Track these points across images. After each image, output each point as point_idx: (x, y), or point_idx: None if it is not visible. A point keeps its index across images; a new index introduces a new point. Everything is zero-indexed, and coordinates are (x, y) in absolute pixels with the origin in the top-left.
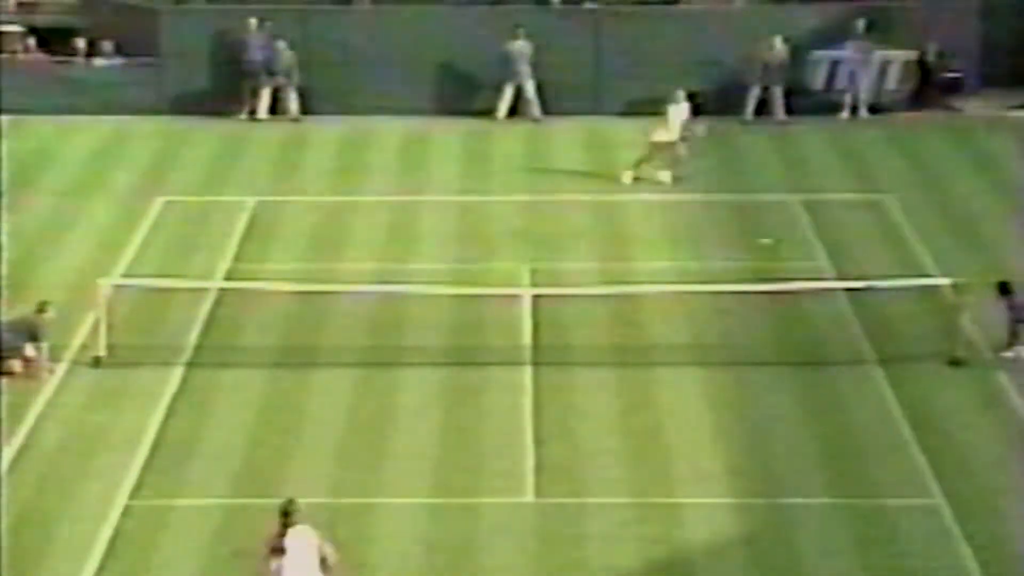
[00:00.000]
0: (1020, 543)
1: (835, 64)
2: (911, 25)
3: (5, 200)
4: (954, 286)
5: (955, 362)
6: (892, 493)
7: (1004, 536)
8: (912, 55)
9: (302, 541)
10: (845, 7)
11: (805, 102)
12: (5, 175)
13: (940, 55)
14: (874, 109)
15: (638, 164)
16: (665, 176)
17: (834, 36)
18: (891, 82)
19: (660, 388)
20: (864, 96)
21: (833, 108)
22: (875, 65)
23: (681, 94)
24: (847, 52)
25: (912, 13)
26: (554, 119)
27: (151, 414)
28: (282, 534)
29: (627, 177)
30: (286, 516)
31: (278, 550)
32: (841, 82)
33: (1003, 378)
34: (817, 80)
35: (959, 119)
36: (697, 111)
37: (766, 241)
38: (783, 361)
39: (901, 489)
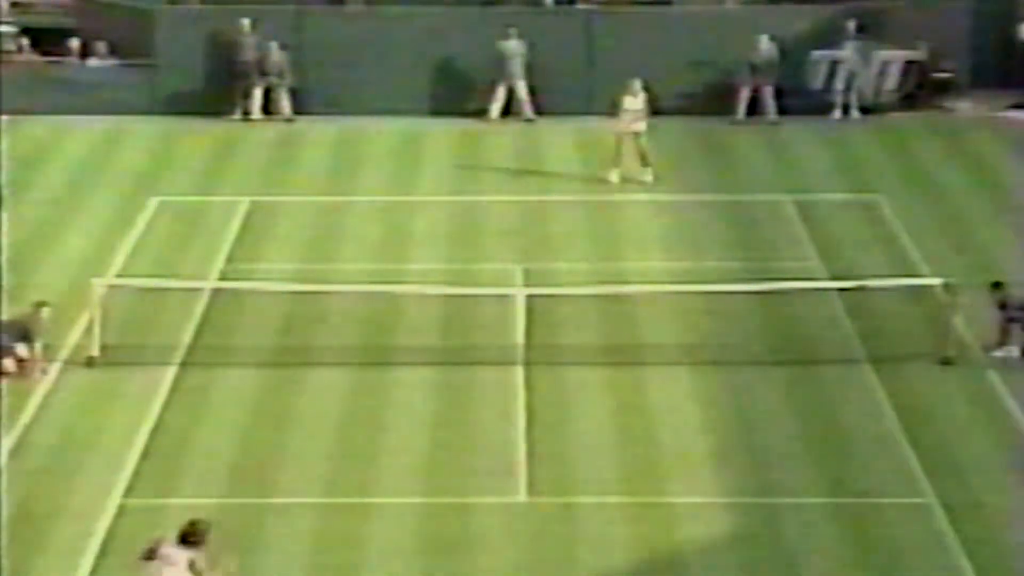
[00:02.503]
0: (1011, 541)
1: (835, 64)
2: (902, 26)
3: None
4: (945, 286)
5: (946, 361)
6: (883, 492)
7: (995, 535)
8: (912, 55)
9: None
10: (836, 8)
11: (800, 102)
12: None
13: (931, 56)
14: (866, 110)
15: (617, 160)
16: (647, 176)
17: (825, 37)
18: (891, 82)
19: (652, 387)
20: (865, 96)
21: (825, 108)
22: (875, 65)
23: (638, 85)
24: (846, 52)
25: (903, 14)
26: (547, 119)
27: (145, 414)
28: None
29: (615, 176)
30: (187, 536)
31: (150, 554)
32: (840, 82)
33: (994, 377)
34: (817, 80)
35: (950, 119)
36: (652, 101)
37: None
38: (775, 360)
39: (892, 488)
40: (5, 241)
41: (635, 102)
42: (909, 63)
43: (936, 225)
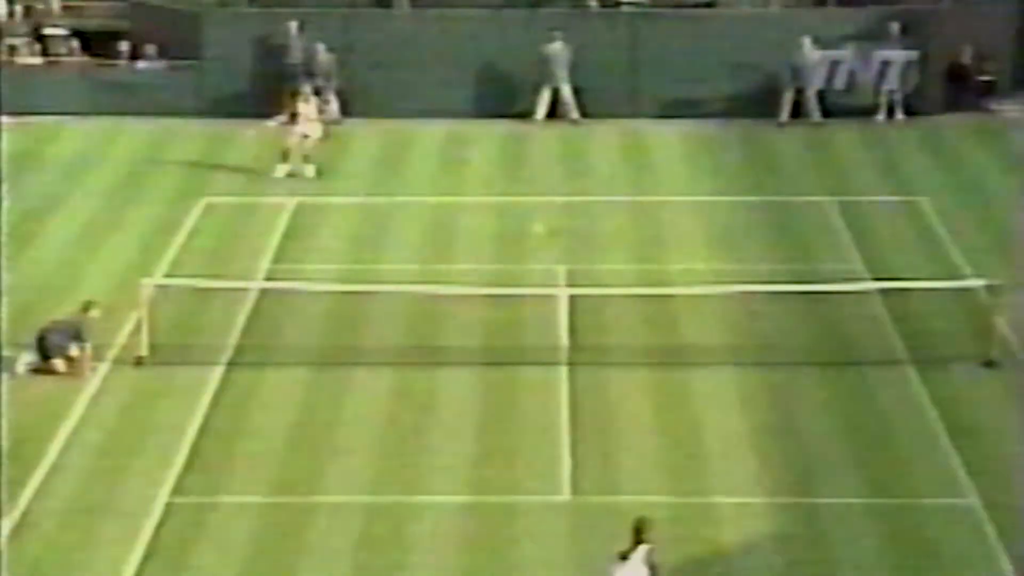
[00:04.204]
0: None
1: (835, 64)
2: (946, 28)
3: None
4: (988, 287)
5: (989, 363)
6: (926, 493)
7: None
8: (913, 55)
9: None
10: (880, 10)
11: (844, 103)
12: (50, 177)
13: (975, 58)
14: (910, 112)
15: (286, 157)
16: (309, 172)
17: (869, 39)
18: (891, 82)
19: (695, 388)
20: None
21: (869, 110)
22: (875, 65)
23: (308, 90)
24: (846, 52)
25: (947, 16)
26: (591, 121)
27: (192, 413)
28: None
29: (282, 171)
30: (638, 532)
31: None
32: (839, 83)
33: None
34: (816, 80)
35: (993, 121)
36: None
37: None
38: (817, 362)
39: (935, 489)
40: (50, 243)
41: (308, 108)
42: (909, 63)
43: (979, 226)
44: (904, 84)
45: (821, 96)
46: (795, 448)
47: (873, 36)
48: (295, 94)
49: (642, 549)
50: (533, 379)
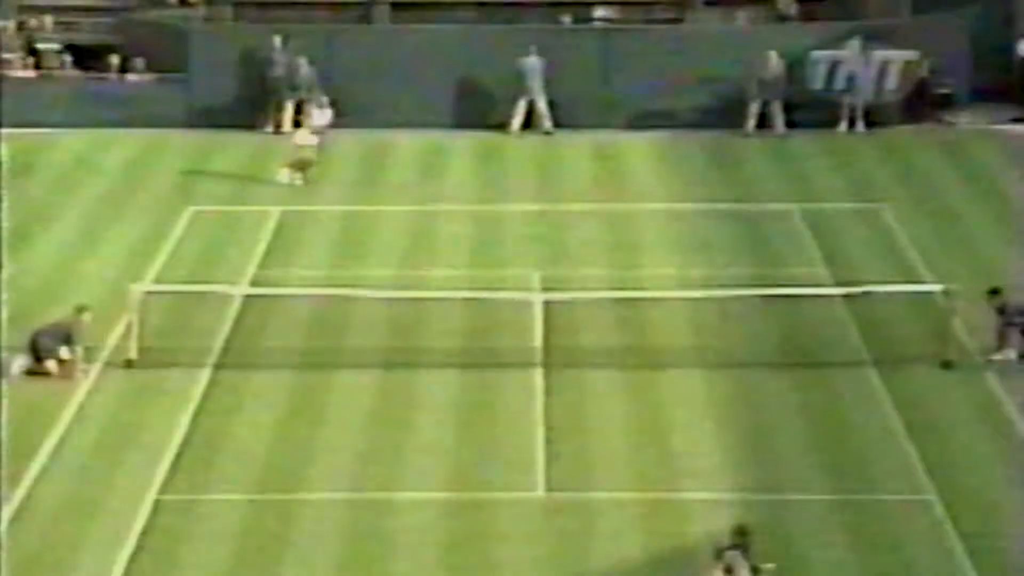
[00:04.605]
0: (1009, 536)
1: (835, 64)
2: (905, 42)
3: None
4: (945, 292)
5: (947, 364)
6: (887, 489)
7: (994, 530)
8: (912, 55)
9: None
10: (841, 25)
11: (804, 113)
12: (45, 186)
13: (932, 70)
14: (871, 123)
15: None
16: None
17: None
18: (891, 82)
19: (665, 389)
20: (864, 97)
21: (832, 119)
22: (875, 66)
23: (325, 99)
24: (847, 52)
25: (906, 30)
26: (565, 132)
27: (181, 413)
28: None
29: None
30: (742, 536)
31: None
32: (840, 83)
33: (992, 380)
34: (817, 80)
35: (951, 132)
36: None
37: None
38: (783, 363)
39: (895, 485)
40: (44, 249)
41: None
42: (909, 63)
43: (937, 233)
44: (904, 84)
45: (786, 108)
46: (761, 446)
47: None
48: (279, 106)
49: (729, 555)
50: (509, 380)
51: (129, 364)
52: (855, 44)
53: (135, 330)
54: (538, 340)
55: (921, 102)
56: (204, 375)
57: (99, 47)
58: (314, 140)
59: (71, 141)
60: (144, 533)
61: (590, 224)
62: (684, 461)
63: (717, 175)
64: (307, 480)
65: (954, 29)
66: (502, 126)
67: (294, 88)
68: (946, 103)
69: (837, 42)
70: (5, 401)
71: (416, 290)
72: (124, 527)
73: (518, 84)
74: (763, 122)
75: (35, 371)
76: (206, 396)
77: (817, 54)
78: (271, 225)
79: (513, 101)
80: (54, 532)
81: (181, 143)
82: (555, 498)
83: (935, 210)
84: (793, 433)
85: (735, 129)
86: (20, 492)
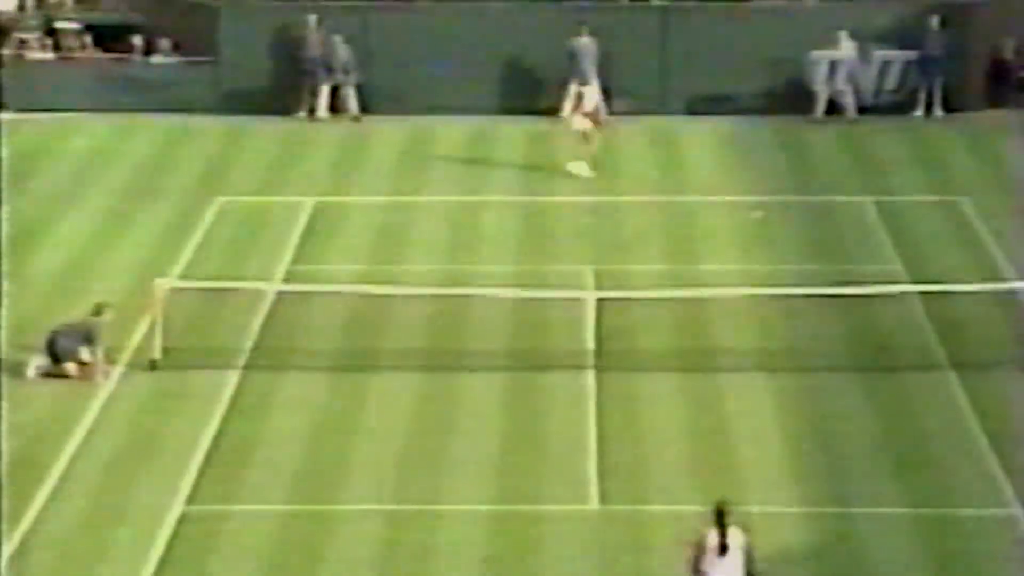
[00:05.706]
0: None
1: (834, 64)
2: (987, 22)
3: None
4: None
5: None
6: (966, 503)
7: None
8: (911, 55)
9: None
10: (918, 4)
11: (881, 100)
12: (64, 174)
13: (1017, 52)
14: (950, 107)
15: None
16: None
17: (907, 33)
18: (891, 82)
19: (726, 394)
20: (865, 95)
21: (907, 106)
22: (875, 65)
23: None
24: (844, 52)
25: (988, 9)
26: (619, 118)
27: (207, 418)
28: (722, 533)
29: (578, 167)
30: (721, 516)
31: (723, 548)
32: (841, 82)
33: None
34: (816, 80)
35: None
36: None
37: (756, 214)
38: (854, 366)
39: (975, 498)
40: (61, 241)
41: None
42: (908, 63)
43: (1021, 227)
44: (904, 84)
45: (857, 92)
46: (830, 456)
47: (911, 30)
48: (314, 90)
49: (735, 533)
50: (560, 384)
51: (153, 365)
52: (852, 44)
53: (159, 329)
54: (590, 341)
55: (1004, 85)
56: (233, 377)
57: (122, 27)
58: (588, 123)
59: (92, 127)
60: (169, 546)
61: (647, 216)
62: (747, 471)
63: (783, 164)
64: (343, 490)
65: None
66: (553, 111)
67: (330, 70)
68: None
69: (913, 21)
70: (5, 403)
71: (460, 287)
72: (148, 539)
73: (569, 66)
74: (832, 107)
75: (53, 373)
76: (235, 400)
77: (816, 54)
78: (304, 217)
79: (564, 85)
80: (73, 545)
81: (209, 129)
82: (609, 511)
83: (1018, 202)
84: (864, 442)
85: (803, 115)
86: (39, 501)
